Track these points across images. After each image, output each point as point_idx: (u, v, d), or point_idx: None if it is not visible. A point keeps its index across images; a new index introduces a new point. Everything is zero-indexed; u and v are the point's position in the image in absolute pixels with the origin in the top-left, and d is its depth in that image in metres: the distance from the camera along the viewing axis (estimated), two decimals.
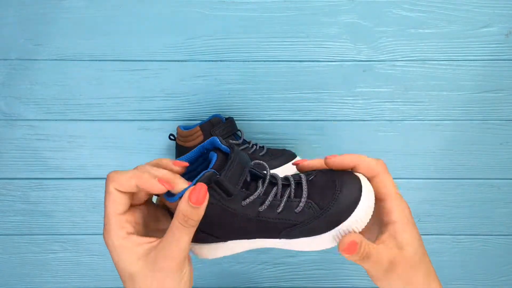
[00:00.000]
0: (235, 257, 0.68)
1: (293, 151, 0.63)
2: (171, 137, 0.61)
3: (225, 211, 0.35)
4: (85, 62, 0.63)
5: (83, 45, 0.63)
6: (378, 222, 0.37)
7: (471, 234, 0.68)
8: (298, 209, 0.35)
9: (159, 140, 0.65)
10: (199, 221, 0.33)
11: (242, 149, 0.59)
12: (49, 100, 0.64)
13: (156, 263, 0.33)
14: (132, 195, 0.35)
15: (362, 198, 0.35)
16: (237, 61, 0.63)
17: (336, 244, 0.36)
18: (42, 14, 0.62)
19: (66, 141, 0.65)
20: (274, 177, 0.38)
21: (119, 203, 0.34)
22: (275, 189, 0.36)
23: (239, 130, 0.62)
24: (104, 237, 0.34)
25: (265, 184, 0.36)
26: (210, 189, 0.33)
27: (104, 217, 0.34)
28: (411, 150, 0.65)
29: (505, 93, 0.64)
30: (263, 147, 0.61)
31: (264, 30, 0.63)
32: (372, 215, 0.36)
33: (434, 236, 0.68)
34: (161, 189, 0.33)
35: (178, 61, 0.63)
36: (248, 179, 0.37)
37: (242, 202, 0.35)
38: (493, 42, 0.63)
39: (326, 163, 0.38)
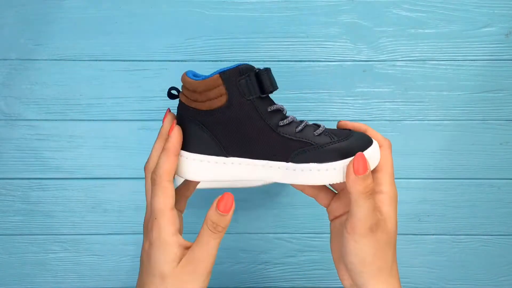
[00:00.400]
0: (235, 257, 0.68)
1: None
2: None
3: (252, 110, 0.36)
4: (85, 62, 0.63)
5: (83, 45, 0.63)
6: None
7: (471, 234, 0.68)
8: (317, 132, 0.37)
9: None
10: (227, 228, 0.34)
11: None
12: (49, 100, 0.64)
13: (186, 266, 0.34)
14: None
15: (373, 143, 0.38)
16: (237, 61, 0.63)
17: (342, 180, 0.36)
18: (42, 14, 0.62)
19: (66, 141, 0.65)
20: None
21: (170, 196, 0.35)
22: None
23: None
24: (149, 232, 0.35)
25: (284, 108, 0.38)
26: (245, 79, 0.35)
27: (153, 212, 0.34)
28: (411, 150, 0.65)
29: (505, 93, 0.64)
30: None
31: (264, 30, 0.63)
32: None
33: (434, 236, 0.68)
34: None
35: (178, 61, 0.63)
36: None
37: (269, 107, 0.36)
38: (493, 42, 0.63)
39: (338, 125, 0.40)
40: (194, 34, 0.63)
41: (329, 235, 0.69)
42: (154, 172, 0.35)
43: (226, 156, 0.37)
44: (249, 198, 0.67)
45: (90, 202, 0.66)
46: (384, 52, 0.63)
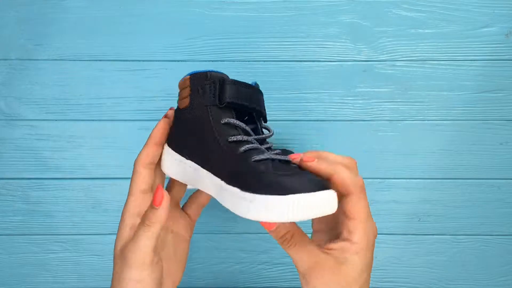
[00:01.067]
0: (235, 257, 0.68)
1: (293, 151, 0.63)
2: None
3: (206, 117, 0.35)
4: (85, 62, 0.63)
5: (83, 45, 0.63)
6: (336, 232, 0.36)
7: (471, 234, 0.68)
8: (256, 158, 0.33)
9: None
10: (160, 223, 0.33)
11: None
12: (49, 100, 0.64)
13: (122, 254, 0.35)
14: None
15: (325, 192, 0.31)
16: (237, 61, 0.63)
17: (258, 218, 0.31)
18: (42, 14, 0.62)
19: (66, 141, 0.65)
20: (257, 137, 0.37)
21: (141, 181, 0.36)
22: (250, 137, 0.35)
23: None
24: (124, 210, 0.36)
25: (246, 127, 0.36)
26: (209, 85, 0.35)
27: (129, 195, 0.36)
28: (411, 150, 0.65)
29: (505, 93, 0.64)
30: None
31: (264, 30, 0.63)
32: (333, 228, 0.35)
33: (434, 236, 0.68)
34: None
35: (178, 61, 0.63)
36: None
37: (223, 119, 0.35)
38: (493, 42, 0.63)
39: (300, 165, 0.36)
40: (194, 34, 0.63)
41: None
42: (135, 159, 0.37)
43: (186, 158, 0.37)
44: None
45: (90, 202, 0.66)
46: (384, 52, 0.63)
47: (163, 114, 0.65)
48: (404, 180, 0.66)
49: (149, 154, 0.37)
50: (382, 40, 0.63)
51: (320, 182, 0.32)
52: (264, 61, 0.63)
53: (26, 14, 0.62)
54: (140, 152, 0.38)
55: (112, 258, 0.67)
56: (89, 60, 0.63)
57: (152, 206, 0.33)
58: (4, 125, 0.64)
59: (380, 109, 0.65)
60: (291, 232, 0.33)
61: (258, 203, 0.30)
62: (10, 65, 0.63)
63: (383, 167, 0.65)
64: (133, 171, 0.37)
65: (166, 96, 0.64)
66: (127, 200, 0.36)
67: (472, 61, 0.64)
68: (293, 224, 0.34)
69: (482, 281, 0.69)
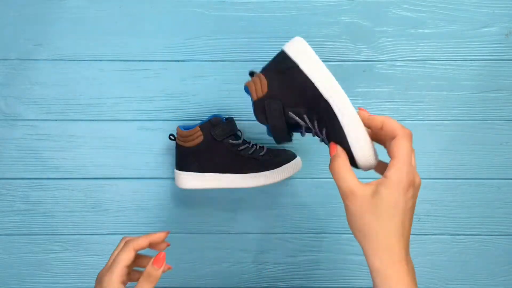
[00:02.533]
0: (235, 257, 0.68)
1: (293, 151, 0.63)
2: (171, 137, 0.61)
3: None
4: (85, 62, 0.63)
5: (83, 45, 0.63)
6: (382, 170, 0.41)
7: (471, 234, 0.68)
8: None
9: (159, 140, 0.65)
10: (158, 279, 0.43)
11: (242, 149, 0.59)
12: (49, 100, 0.64)
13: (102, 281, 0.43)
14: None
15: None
16: (237, 61, 0.63)
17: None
18: (42, 14, 0.62)
19: (66, 141, 0.65)
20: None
21: (129, 259, 0.44)
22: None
23: (239, 130, 0.62)
24: (104, 274, 0.43)
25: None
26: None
27: (113, 262, 0.44)
28: None
29: (505, 93, 0.64)
30: (263, 147, 0.61)
31: (264, 30, 0.63)
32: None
33: (434, 236, 0.68)
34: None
35: (178, 61, 0.63)
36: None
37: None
38: (493, 42, 0.63)
39: (361, 115, 0.44)
40: (194, 34, 0.63)
41: (328, 235, 0.69)
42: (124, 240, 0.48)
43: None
44: (249, 198, 0.67)
45: (90, 202, 0.66)
46: (384, 52, 0.63)
47: (162, 114, 0.65)
48: None
49: (142, 245, 0.46)
50: (382, 40, 0.63)
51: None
52: (264, 61, 0.63)
53: (26, 14, 0.62)
54: (136, 238, 0.46)
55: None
56: (89, 60, 0.63)
57: (154, 267, 0.43)
58: (4, 125, 0.64)
59: (380, 109, 0.65)
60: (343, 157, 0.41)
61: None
62: (10, 65, 0.63)
63: None
64: (123, 248, 0.45)
65: (166, 96, 0.64)
66: (113, 269, 0.43)
67: (472, 61, 0.64)
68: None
69: (482, 281, 0.69)
